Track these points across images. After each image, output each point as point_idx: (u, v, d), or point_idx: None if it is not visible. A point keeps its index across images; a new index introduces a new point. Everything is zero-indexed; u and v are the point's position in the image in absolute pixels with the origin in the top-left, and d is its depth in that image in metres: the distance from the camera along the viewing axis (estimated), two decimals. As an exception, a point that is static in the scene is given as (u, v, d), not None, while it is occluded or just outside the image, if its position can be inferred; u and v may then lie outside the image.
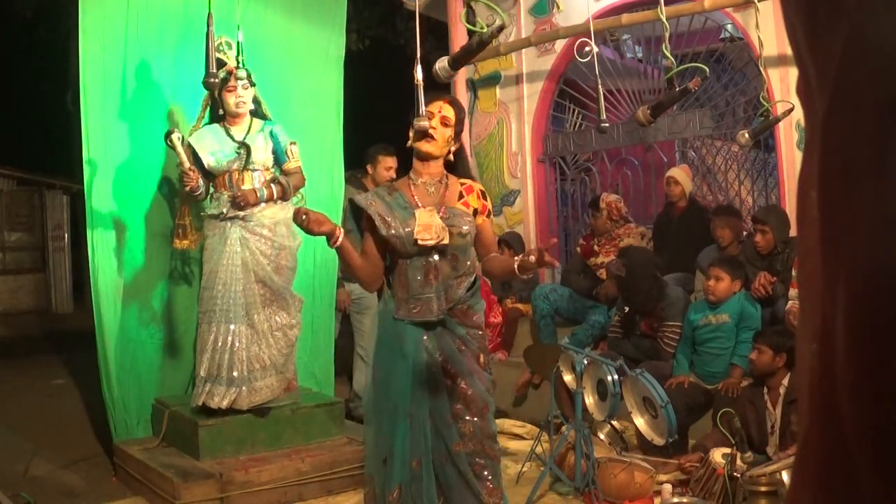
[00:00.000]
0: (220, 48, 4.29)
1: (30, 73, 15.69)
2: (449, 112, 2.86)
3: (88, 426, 5.33)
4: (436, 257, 2.80)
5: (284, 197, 4.37)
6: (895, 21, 0.62)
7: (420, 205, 2.83)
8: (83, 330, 6.37)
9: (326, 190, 5.32)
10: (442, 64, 3.02)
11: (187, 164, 4.24)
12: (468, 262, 2.89)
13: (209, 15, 3.61)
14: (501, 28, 2.59)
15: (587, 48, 3.89)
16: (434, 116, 2.82)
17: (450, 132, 2.87)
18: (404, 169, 5.83)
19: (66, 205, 14.03)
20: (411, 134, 2.84)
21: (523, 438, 4.99)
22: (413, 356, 2.79)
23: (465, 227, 2.84)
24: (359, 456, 4.38)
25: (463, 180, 2.97)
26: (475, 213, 2.91)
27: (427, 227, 2.76)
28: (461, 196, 2.91)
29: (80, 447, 4.97)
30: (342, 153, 5.44)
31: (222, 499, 3.94)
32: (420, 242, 2.76)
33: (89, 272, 4.69)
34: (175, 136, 4.24)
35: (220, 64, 4.25)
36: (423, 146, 2.84)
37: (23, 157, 14.39)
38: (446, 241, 2.78)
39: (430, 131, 2.80)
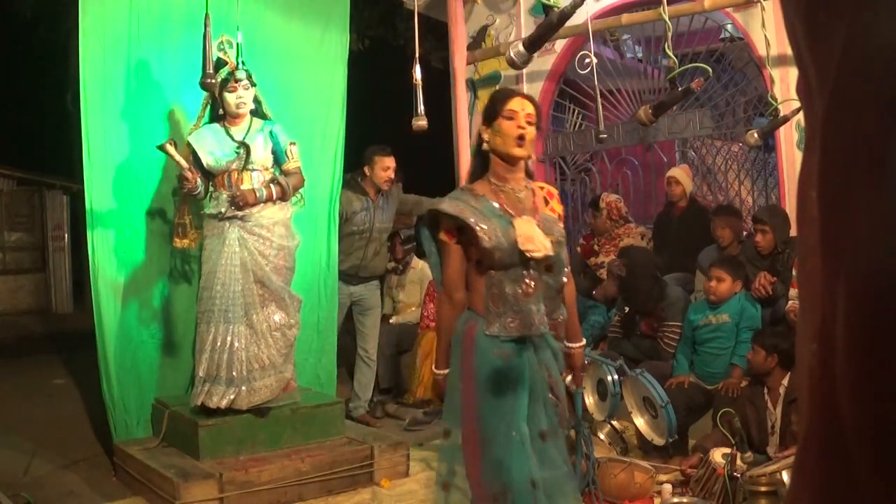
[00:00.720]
0: (221, 46, 4.29)
1: (30, 73, 15.67)
2: (531, 109, 2.64)
3: (88, 426, 5.32)
4: (532, 268, 2.59)
5: (284, 197, 4.37)
6: (895, 21, 0.62)
7: (513, 213, 2.61)
8: (83, 330, 6.37)
9: (332, 190, 5.32)
10: (517, 49, 2.77)
11: (186, 168, 4.24)
12: (564, 271, 2.70)
13: (206, 16, 3.61)
14: None
15: (587, 60, 3.86)
16: (517, 115, 2.61)
17: (534, 130, 2.64)
18: (403, 170, 5.86)
19: (66, 205, 14.03)
20: (487, 138, 2.64)
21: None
22: (527, 372, 2.57)
23: (562, 237, 2.67)
24: (359, 456, 4.39)
25: (541, 184, 2.80)
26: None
27: (529, 238, 2.54)
28: (546, 202, 2.74)
29: (80, 447, 4.97)
30: (343, 153, 5.43)
31: (222, 499, 3.94)
32: (529, 255, 2.54)
33: (89, 272, 4.69)
34: (168, 145, 4.23)
35: (221, 63, 4.25)
36: (517, 150, 2.60)
37: (23, 157, 14.39)
38: (551, 252, 2.58)
39: (521, 131, 2.59)
